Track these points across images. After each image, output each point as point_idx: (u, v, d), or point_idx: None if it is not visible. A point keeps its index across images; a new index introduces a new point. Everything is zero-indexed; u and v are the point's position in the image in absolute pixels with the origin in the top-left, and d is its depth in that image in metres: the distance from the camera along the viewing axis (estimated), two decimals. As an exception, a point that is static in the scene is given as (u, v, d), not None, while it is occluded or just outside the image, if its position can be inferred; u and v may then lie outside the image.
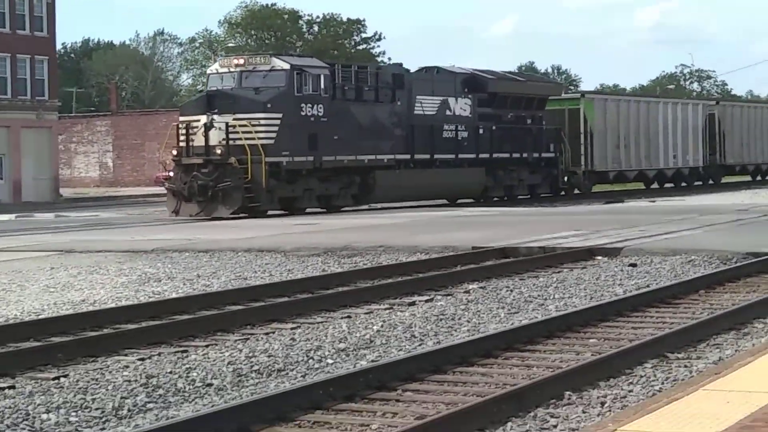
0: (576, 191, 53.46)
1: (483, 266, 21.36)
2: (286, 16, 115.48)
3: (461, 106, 45.79)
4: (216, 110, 36.99)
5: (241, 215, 36.18)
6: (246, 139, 36.32)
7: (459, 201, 45.84)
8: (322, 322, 15.37)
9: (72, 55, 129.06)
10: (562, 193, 52.32)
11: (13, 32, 72.59)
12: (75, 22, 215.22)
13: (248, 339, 14.08)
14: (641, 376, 11.23)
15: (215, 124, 36.78)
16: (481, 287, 18.74)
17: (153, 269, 22.67)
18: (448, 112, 45.11)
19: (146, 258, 24.67)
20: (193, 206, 36.82)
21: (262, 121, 37.19)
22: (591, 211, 38.91)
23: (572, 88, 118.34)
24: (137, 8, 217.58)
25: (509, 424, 9.46)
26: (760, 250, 21.73)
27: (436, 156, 44.10)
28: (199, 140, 37.14)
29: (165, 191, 40.45)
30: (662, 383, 10.84)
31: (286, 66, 38.75)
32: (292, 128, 37.80)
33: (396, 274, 20.46)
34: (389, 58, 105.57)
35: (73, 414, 10.24)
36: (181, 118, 39.24)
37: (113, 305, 17.27)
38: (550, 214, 36.09)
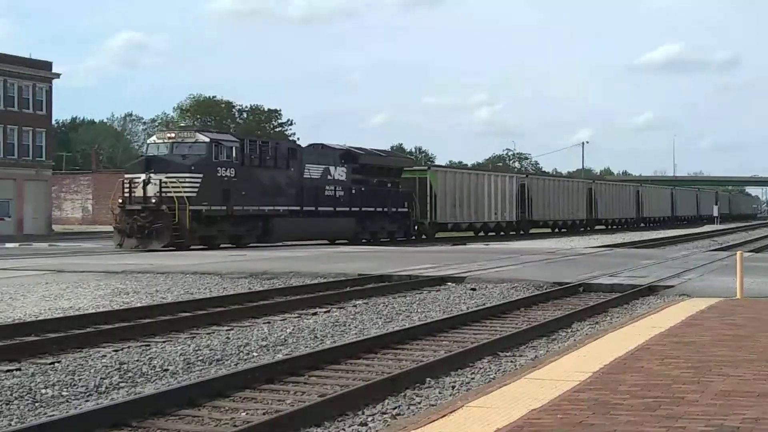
0: (423, 236, 53.06)
1: (366, 288, 21.13)
2: (223, 105, 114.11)
3: (339, 173, 45.25)
4: (152, 170, 35.96)
5: (170, 248, 35.19)
6: (174, 192, 35.29)
7: (336, 241, 45.16)
8: (249, 326, 15.06)
9: (63, 129, 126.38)
10: (413, 237, 51.85)
11: (19, 110, 71.40)
12: (66, 103, 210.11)
13: (195, 337, 13.77)
14: (480, 368, 11.23)
15: (152, 180, 35.67)
16: (364, 303, 18.55)
17: (123, 285, 22.01)
18: (329, 177, 44.54)
19: (118, 277, 23.93)
20: (133, 241, 35.79)
21: (188, 179, 36.07)
22: (442, 251, 38.81)
23: (429, 162, 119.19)
24: (112, 95, 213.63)
25: (386, 400, 9.42)
26: (563, 280, 21.92)
27: (320, 208, 43.44)
28: (139, 192, 35.97)
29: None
30: (495, 373, 10.87)
31: (207, 139, 37.91)
32: (210, 185, 36.75)
33: (302, 292, 20.14)
34: (298, 138, 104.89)
35: (65, 390, 10.01)
36: (126, 176, 37.97)
37: (93, 311, 16.74)
38: (411, 252, 35.82)
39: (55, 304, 18.32)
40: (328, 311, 17.19)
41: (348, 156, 47.05)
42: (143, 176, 35.91)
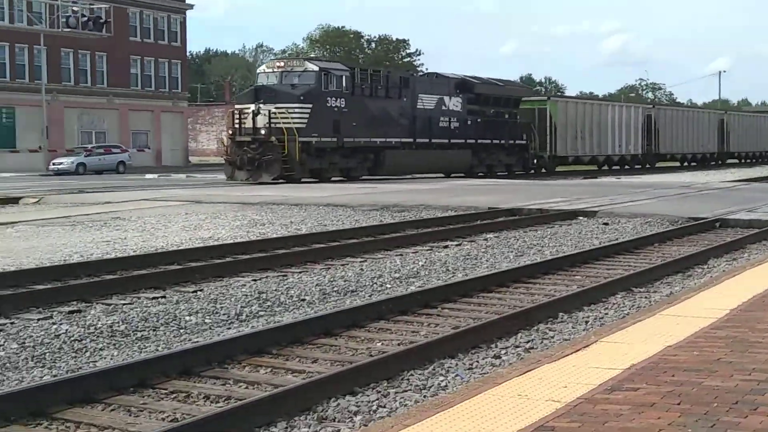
0: (543, 170, 52.01)
1: (496, 221, 21.16)
2: (351, 36, 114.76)
3: (453, 103, 44.33)
4: (261, 100, 35.95)
5: (280, 181, 35.38)
6: (284, 123, 35.28)
7: (452, 175, 44.68)
8: (382, 258, 15.28)
9: (197, 61, 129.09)
10: (532, 171, 50.78)
11: (155, 42, 73.15)
12: (200, 35, 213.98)
13: (329, 268, 14.03)
14: (614, 304, 11.21)
15: (261, 111, 35.65)
16: (495, 236, 18.59)
17: (259, 216, 22.60)
18: (443, 107, 43.71)
19: (253, 208, 24.61)
20: (243, 173, 35.99)
21: (297, 110, 36.01)
22: (570, 184, 38.25)
23: (558, 93, 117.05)
24: (244, 26, 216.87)
25: (519, 334, 9.52)
26: (698, 215, 21.54)
27: (433, 140, 42.82)
28: (248, 123, 35.96)
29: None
30: (629, 309, 10.81)
31: (316, 68, 37.68)
32: (320, 116, 36.56)
33: (433, 225, 20.29)
34: (426, 68, 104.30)
35: (208, 317, 10.41)
36: (236, 106, 38.04)
37: (231, 241, 17.29)
38: (538, 186, 35.58)
39: (195, 234, 18.96)
40: (460, 244, 17.28)
41: (463, 85, 45.93)
42: (252, 107, 35.98)
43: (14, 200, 28.65)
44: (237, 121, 36.54)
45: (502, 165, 47.88)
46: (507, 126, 48.21)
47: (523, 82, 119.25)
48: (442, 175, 43.77)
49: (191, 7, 78.85)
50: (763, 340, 7.41)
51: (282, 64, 38.98)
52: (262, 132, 35.70)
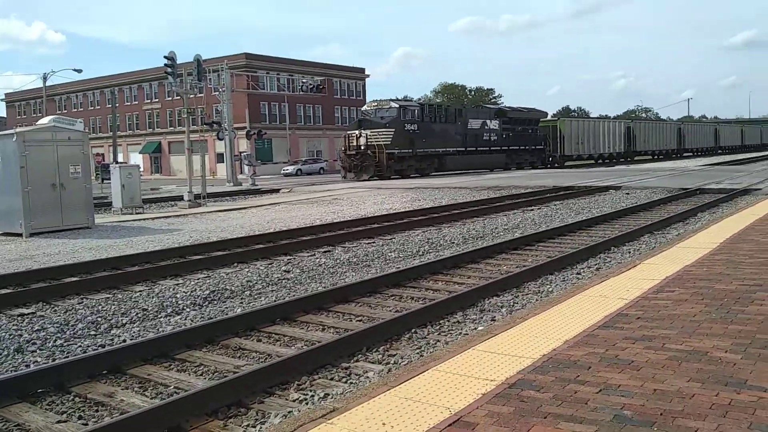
0: (556, 165, 50.56)
1: (559, 194, 21.26)
2: (459, 88, 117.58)
3: (493, 124, 43.91)
4: (363, 128, 36.41)
5: (374, 178, 35.53)
6: (375, 141, 35.71)
7: (494, 169, 43.35)
8: (494, 217, 15.85)
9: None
10: (548, 165, 49.63)
11: (348, 98, 71.52)
12: (372, 91, 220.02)
13: (465, 224, 14.67)
14: (644, 241, 11.43)
15: (362, 134, 36.13)
16: (560, 203, 18.88)
17: (415, 195, 23.11)
18: (486, 127, 43.37)
19: (411, 191, 25.05)
20: (352, 174, 36.48)
21: (383, 133, 36.10)
22: (597, 171, 37.64)
23: (576, 114, 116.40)
24: (397, 85, 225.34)
25: (589, 260, 9.69)
26: (686, 186, 21.61)
27: (478, 148, 42.40)
28: (354, 142, 36.50)
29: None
30: (655, 244, 11.01)
31: (397, 105, 37.93)
32: (400, 136, 36.65)
33: (522, 197, 20.50)
34: (503, 103, 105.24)
35: (400, 253, 10.96)
36: (348, 132, 38.14)
37: (403, 210, 17.98)
38: (574, 174, 34.79)
39: (380, 207, 19.71)
40: (539, 208, 17.68)
41: (500, 112, 46.31)
42: (357, 132, 36.74)
43: (276, 190, 31.41)
44: (348, 141, 37.21)
45: (527, 162, 47.34)
46: (530, 137, 47.98)
47: (561, 111, 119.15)
48: (487, 170, 42.94)
49: (368, 75, 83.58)
50: (745, 260, 7.53)
51: (375, 103, 38.96)
52: (362, 148, 36.18)
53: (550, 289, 7.89)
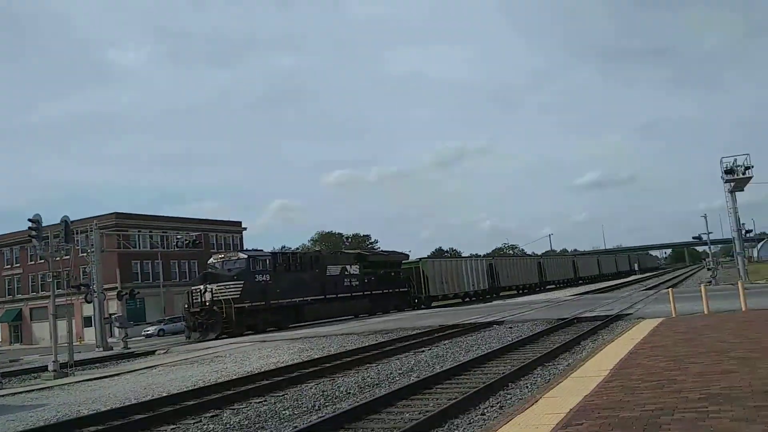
0: (422, 306, 49.14)
1: (447, 333, 20.97)
2: (336, 236, 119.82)
3: (353, 269, 42.06)
4: (208, 281, 33.21)
5: (222, 337, 32.23)
6: (222, 296, 32.47)
7: (359, 315, 41.51)
8: (387, 361, 15.43)
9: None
10: (414, 307, 48.17)
11: (225, 251, 69.21)
12: (249, 244, 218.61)
13: (359, 371, 14.08)
14: (539, 374, 11.27)
15: (207, 288, 32.77)
16: (449, 342, 18.68)
17: (303, 345, 22.33)
18: (346, 272, 41.36)
19: (298, 342, 24.21)
20: (197, 334, 32.67)
21: (232, 286, 32.92)
22: (476, 307, 37.88)
23: (448, 254, 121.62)
24: (273, 236, 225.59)
25: (489, 399, 9.40)
26: (563, 316, 22.06)
27: (339, 295, 39.97)
28: (199, 299, 32.96)
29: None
30: (549, 377, 10.83)
31: (245, 256, 34.99)
32: (251, 289, 33.52)
33: (411, 339, 20.26)
34: (379, 246, 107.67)
35: (295, 410, 10.26)
36: (191, 288, 34.68)
37: (291, 363, 17.06)
38: (454, 311, 34.91)
39: (267, 361, 18.67)
40: (430, 349, 17.32)
41: (360, 256, 44.61)
42: (201, 287, 33.39)
43: (152, 352, 29.65)
44: (191, 297, 33.63)
45: (392, 305, 45.61)
46: (393, 280, 46.53)
47: (435, 252, 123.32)
48: (351, 316, 41.15)
49: (245, 228, 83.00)
50: (639, 385, 7.57)
51: (222, 256, 36.24)
52: (207, 303, 32.74)
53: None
